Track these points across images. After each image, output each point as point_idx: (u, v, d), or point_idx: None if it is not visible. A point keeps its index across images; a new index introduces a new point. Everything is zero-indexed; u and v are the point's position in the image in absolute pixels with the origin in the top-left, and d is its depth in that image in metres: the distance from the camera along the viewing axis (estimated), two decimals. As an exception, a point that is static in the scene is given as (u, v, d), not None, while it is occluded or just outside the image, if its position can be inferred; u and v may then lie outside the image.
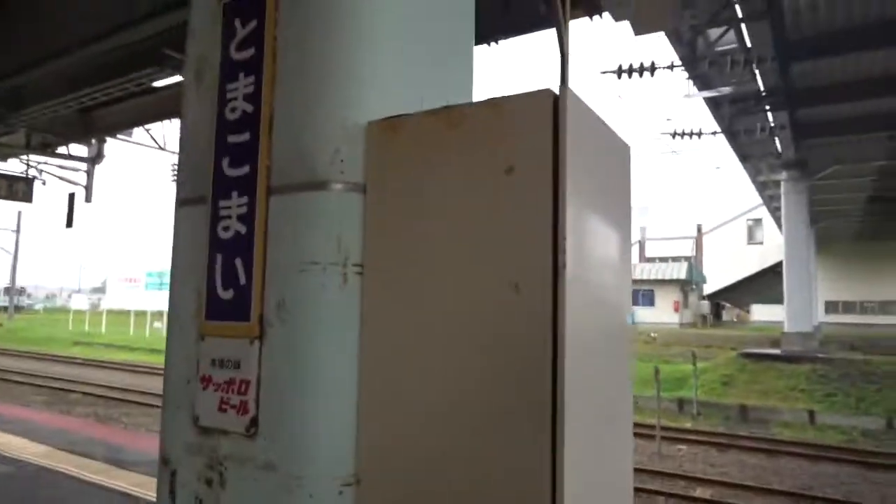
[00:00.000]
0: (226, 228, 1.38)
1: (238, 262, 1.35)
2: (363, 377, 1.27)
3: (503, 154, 1.13)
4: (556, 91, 1.10)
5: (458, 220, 1.18)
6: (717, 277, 35.59)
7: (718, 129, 14.57)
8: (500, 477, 1.10)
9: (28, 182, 7.24)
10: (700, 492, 7.11)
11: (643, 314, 30.61)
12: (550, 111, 1.09)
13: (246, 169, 1.36)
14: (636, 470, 7.73)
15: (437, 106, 1.25)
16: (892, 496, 7.08)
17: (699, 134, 14.36)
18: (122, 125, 7.40)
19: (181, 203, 1.51)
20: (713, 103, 13.47)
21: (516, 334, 1.09)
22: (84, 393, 13.44)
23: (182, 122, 1.54)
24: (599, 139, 1.28)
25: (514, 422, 1.09)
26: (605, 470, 1.29)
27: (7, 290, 45.01)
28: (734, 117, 13.63)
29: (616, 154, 1.40)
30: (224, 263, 1.38)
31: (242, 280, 1.34)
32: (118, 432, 8.58)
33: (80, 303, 40.97)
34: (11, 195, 6.97)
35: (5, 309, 42.63)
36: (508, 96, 1.15)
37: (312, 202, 1.28)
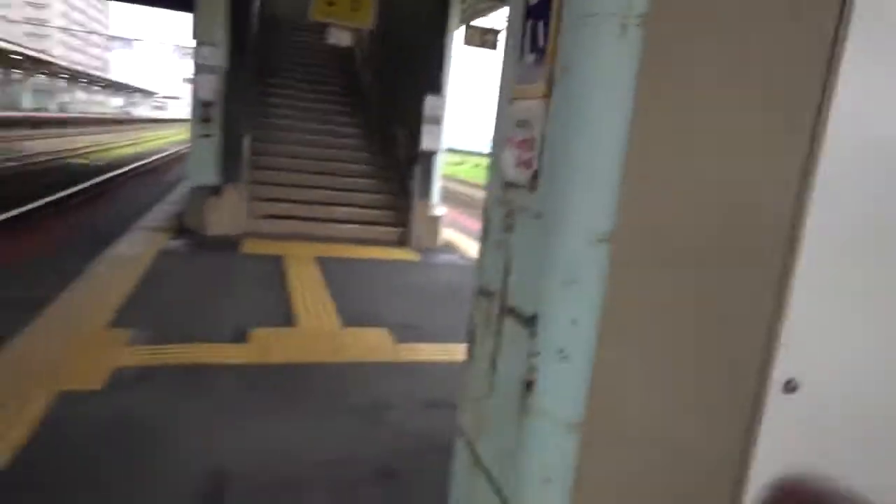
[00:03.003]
0: (535, -7, 1.44)
1: (540, 24, 1.41)
2: (634, 138, 1.22)
3: None
4: None
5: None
6: None
7: None
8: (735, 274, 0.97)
9: (495, 33, 8.52)
10: None
11: None
12: None
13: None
14: None
15: None
16: None
17: None
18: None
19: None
20: None
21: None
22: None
23: None
24: None
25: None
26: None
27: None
28: None
29: None
30: (532, 28, 1.46)
31: (541, 42, 1.40)
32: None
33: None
34: (483, 44, 8.36)
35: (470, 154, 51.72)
36: None
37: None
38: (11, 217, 9.10)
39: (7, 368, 3.35)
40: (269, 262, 6.53)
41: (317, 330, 4.55)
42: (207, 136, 7.75)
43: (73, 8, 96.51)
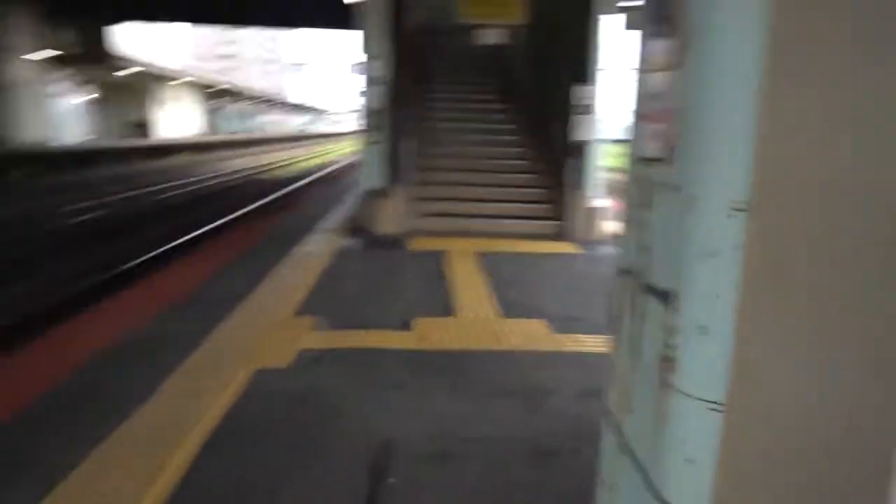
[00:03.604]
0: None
1: (673, -8, 1.38)
2: (767, 103, 1.16)
3: None
4: None
5: None
6: None
7: None
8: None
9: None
10: None
11: None
12: None
13: None
14: None
15: None
16: None
17: None
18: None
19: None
20: None
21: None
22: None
23: None
24: None
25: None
26: None
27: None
28: None
29: None
30: None
31: (671, 13, 1.37)
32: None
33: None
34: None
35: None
36: None
37: None
38: (215, 227, 10.59)
39: (214, 349, 3.95)
40: (432, 258, 6.88)
41: (476, 320, 4.72)
42: (376, 143, 8.35)
43: (260, 37, 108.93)
